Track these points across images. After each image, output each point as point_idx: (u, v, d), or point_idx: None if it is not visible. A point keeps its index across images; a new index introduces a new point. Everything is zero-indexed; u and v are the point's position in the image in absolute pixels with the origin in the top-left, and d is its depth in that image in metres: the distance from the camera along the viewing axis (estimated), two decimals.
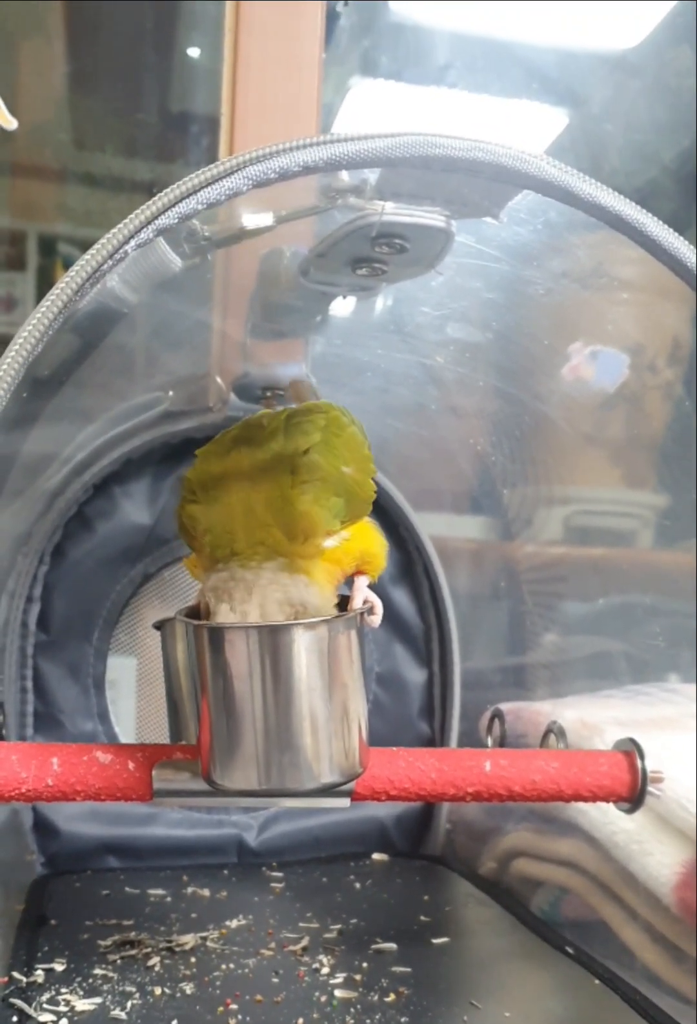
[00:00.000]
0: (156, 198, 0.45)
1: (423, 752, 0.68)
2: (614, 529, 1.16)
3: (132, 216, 0.45)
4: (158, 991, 0.65)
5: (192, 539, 0.59)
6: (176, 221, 0.45)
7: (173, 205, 0.45)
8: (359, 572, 0.60)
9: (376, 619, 0.60)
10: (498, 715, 0.78)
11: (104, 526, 0.92)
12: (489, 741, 0.78)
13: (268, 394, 0.82)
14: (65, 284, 0.43)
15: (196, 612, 0.59)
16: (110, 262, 0.44)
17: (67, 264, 1.31)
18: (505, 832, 0.92)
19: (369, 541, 0.60)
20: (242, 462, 0.58)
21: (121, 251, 0.45)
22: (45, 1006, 0.63)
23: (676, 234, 0.51)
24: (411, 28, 1.24)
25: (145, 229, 0.45)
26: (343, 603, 0.59)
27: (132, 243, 0.45)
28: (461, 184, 0.53)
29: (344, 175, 0.55)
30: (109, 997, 0.64)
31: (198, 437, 0.89)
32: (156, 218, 0.45)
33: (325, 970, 0.69)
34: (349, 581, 0.60)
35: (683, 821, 0.73)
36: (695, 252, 0.52)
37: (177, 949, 0.72)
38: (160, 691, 0.77)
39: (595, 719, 0.83)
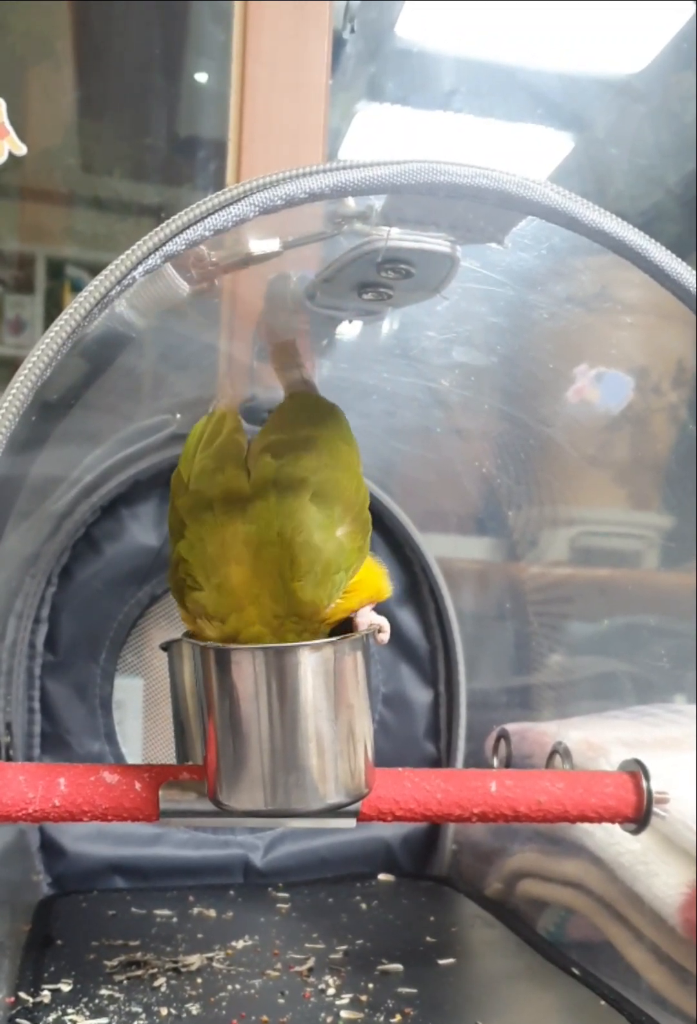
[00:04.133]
0: (163, 225, 0.46)
1: (429, 773, 0.68)
2: (619, 550, 1.16)
3: (140, 243, 0.45)
4: (164, 1011, 0.65)
5: (192, 611, 0.58)
6: (183, 247, 0.46)
7: (180, 231, 0.46)
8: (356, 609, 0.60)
9: (384, 636, 0.60)
10: (504, 736, 0.78)
11: (112, 548, 0.92)
12: (495, 762, 0.79)
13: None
14: (73, 310, 0.44)
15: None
16: (118, 288, 0.45)
17: (75, 287, 1.33)
18: (511, 853, 0.92)
19: (369, 586, 0.60)
20: (237, 542, 0.56)
21: (129, 277, 0.45)
22: None
23: (679, 259, 0.52)
24: (417, 54, 1.25)
25: (153, 255, 0.45)
26: (348, 623, 0.59)
27: (140, 269, 0.45)
28: (466, 210, 0.53)
29: (350, 201, 0.55)
30: (115, 1018, 0.64)
31: None
32: (164, 244, 0.46)
33: (331, 991, 0.69)
34: None
35: (688, 842, 0.73)
36: None
37: (183, 969, 0.72)
38: (167, 712, 0.77)
39: (600, 740, 0.83)
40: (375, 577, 0.61)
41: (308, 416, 0.63)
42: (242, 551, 0.56)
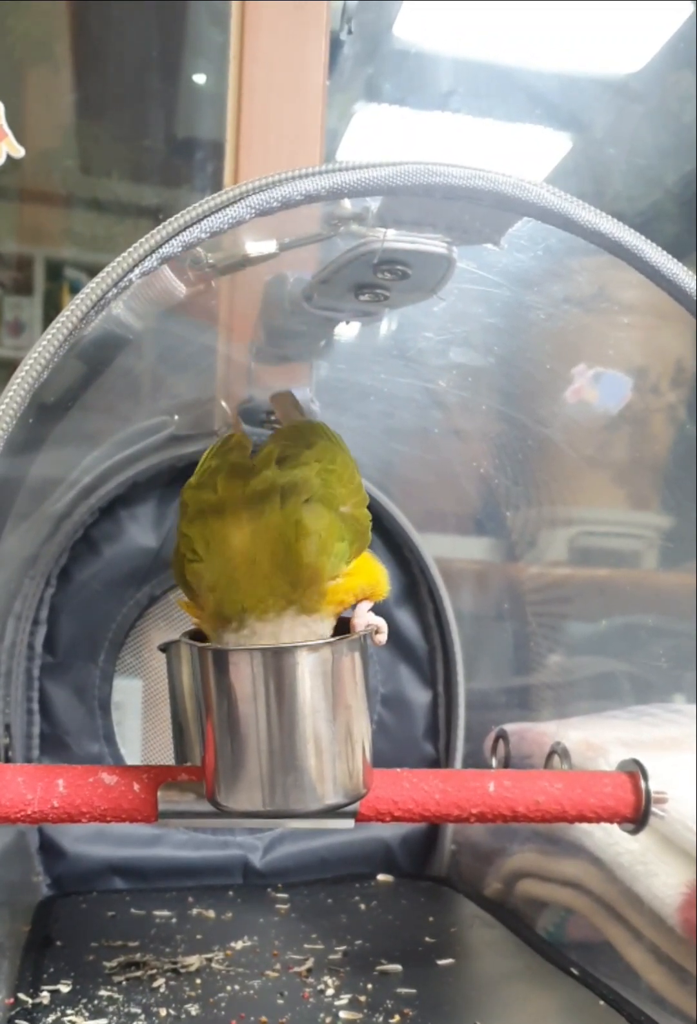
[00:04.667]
0: (160, 227, 0.46)
1: (427, 773, 0.68)
2: (618, 550, 1.16)
3: (136, 245, 0.45)
4: (163, 1012, 0.65)
5: (193, 593, 0.58)
6: (180, 250, 0.46)
7: (177, 234, 0.46)
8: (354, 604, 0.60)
9: (382, 637, 0.60)
10: (502, 736, 0.78)
11: (110, 549, 0.92)
12: (493, 762, 0.79)
13: (272, 418, 0.83)
14: (70, 312, 0.44)
15: (201, 634, 0.59)
16: (115, 290, 0.45)
17: (74, 288, 1.33)
18: (510, 853, 0.92)
19: (369, 573, 0.60)
20: (238, 508, 0.57)
21: (126, 279, 0.45)
22: None
23: (675, 260, 0.52)
24: (414, 55, 1.25)
25: (149, 258, 0.46)
26: (346, 625, 0.59)
27: (137, 271, 0.45)
28: (462, 211, 0.53)
29: (346, 203, 0.55)
30: (114, 1018, 0.64)
31: None
32: (160, 247, 0.46)
33: (330, 991, 0.69)
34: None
35: (687, 842, 0.73)
36: (695, 278, 0.52)
37: (182, 970, 0.72)
38: (166, 713, 0.77)
39: (599, 740, 0.83)
40: (374, 568, 0.61)
41: (307, 434, 0.63)
42: (244, 522, 0.56)
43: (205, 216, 0.46)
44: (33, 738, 0.91)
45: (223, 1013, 0.66)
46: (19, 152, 0.93)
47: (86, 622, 0.92)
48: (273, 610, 0.55)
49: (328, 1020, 0.65)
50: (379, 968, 0.74)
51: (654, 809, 0.70)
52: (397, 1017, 0.66)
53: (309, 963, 0.74)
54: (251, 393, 0.83)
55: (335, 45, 1.03)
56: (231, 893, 0.91)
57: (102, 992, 0.68)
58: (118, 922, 0.83)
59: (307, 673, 0.55)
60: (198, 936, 0.80)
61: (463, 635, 0.98)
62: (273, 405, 0.78)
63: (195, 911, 0.86)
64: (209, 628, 0.58)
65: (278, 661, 0.55)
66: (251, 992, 0.69)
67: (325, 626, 0.57)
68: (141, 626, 0.95)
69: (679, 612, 0.99)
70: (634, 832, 0.71)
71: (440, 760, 0.99)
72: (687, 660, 0.93)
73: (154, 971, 0.72)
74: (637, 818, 0.70)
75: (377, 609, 0.61)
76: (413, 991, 0.70)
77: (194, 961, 0.74)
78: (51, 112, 1.17)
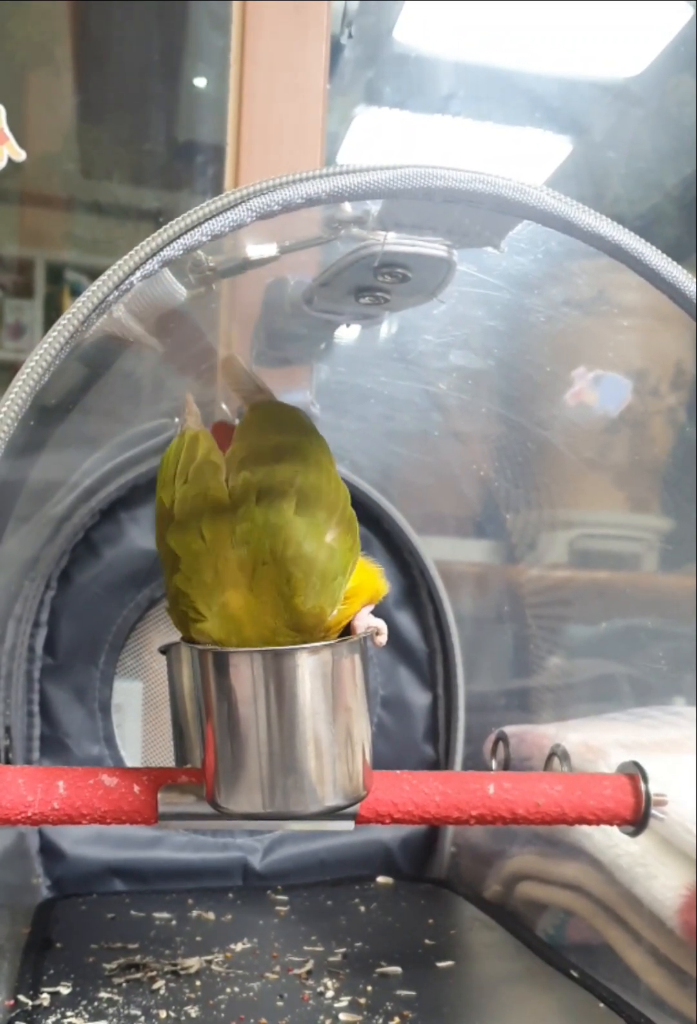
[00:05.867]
0: (161, 230, 0.46)
1: (427, 775, 0.68)
2: (618, 553, 1.16)
3: (137, 248, 0.45)
4: (163, 1014, 0.65)
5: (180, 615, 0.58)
6: (181, 253, 0.46)
7: (178, 237, 0.46)
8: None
9: (382, 639, 0.60)
10: (502, 738, 0.78)
11: (111, 551, 0.92)
12: (493, 764, 0.78)
13: None
14: (70, 316, 0.44)
15: None
16: (116, 293, 0.45)
17: (75, 291, 1.33)
18: (510, 855, 0.92)
19: (367, 583, 0.60)
20: (230, 563, 0.56)
21: (126, 282, 0.45)
22: None
23: (675, 263, 0.52)
24: (415, 58, 1.25)
25: (150, 261, 0.46)
26: (346, 627, 0.59)
27: (137, 274, 0.45)
28: (462, 214, 0.53)
29: (347, 206, 0.55)
30: (114, 1020, 0.64)
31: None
32: (161, 250, 0.46)
33: (330, 993, 0.70)
34: None
35: (687, 844, 0.73)
36: (694, 281, 0.52)
37: (182, 972, 0.72)
38: (166, 715, 0.77)
39: (599, 742, 0.83)
40: (372, 577, 0.61)
41: (273, 424, 0.62)
42: (238, 576, 0.56)
43: (206, 219, 0.46)
44: (33, 740, 0.91)
45: (223, 1015, 0.66)
46: (20, 155, 0.93)
47: (86, 624, 0.93)
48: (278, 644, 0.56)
49: (328, 1022, 0.65)
50: (379, 970, 0.74)
51: (654, 811, 0.70)
52: (397, 1019, 0.66)
53: (309, 965, 0.74)
54: None
55: (335, 48, 1.03)
56: (231, 895, 0.91)
57: (102, 994, 0.68)
58: (118, 924, 0.83)
59: (307, 675, 0.55)
60: (198, 938, 0.80)
61: (463, 637, 0.98)
62: (222, 377, 0.74)
63: (195, 913, 0.86)
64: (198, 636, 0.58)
65: (278, 663, 0.55)
66: (251, 994, 0.69)
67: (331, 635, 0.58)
68: (141, 628, 0.95)
69: (679, 615, 0.99)
70: (634, 834, 0.71)
71: (440, 762, 1.00)
72: (687, 662, 0.93)
73: (154, 973, 0.72)
74: (637, 820, 0.70)
75: (377, 611, 0.61)
76: (413, 993, 0.70)
77: (194, 963, 0.74)
78: (52, 115, 1.18)
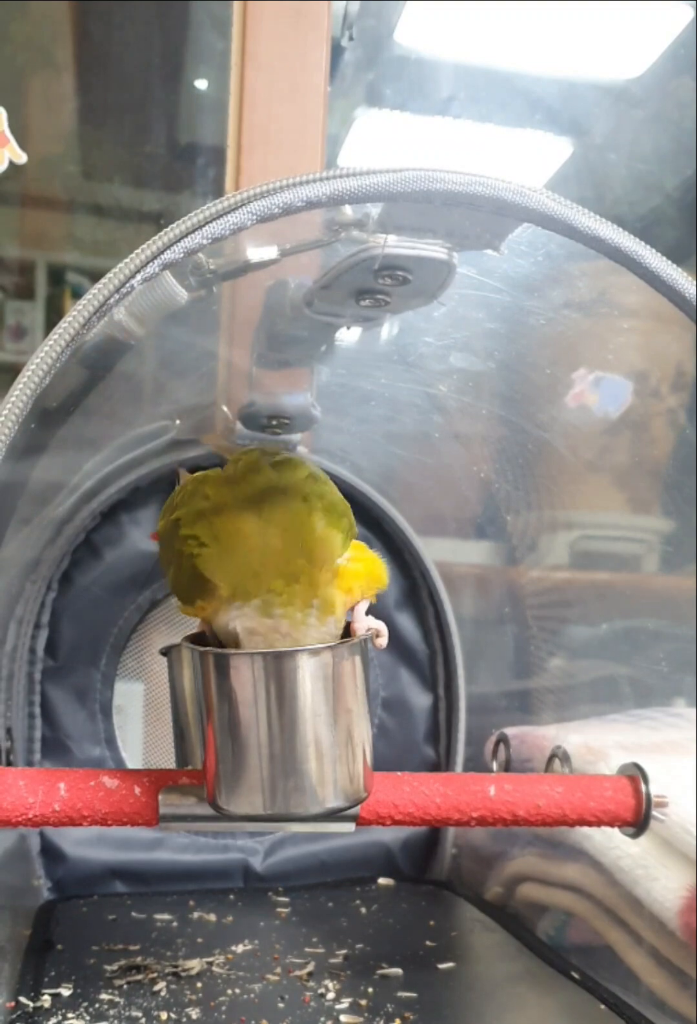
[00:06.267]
0: (161, 233, 0.46)
1: (428, 777, 0.68)
2: (619, 554, 1.16)
3: (138, 251, 0.45)
4: (164, 1016, 0.65)
5: (196, 594, 0.58)
6: (181, 256, 0.46)
7: (178, 240, 0.46)
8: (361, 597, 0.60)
9: (383, 641, 0.60)
10: (503, 739, 0.78)
11: (112, 553, 0.92)
12: (494, 766, 0.79)
13: (273, 423, 0.83)
14: (71, 318, 0.44)
15: (202, 638, 0.59)
16: (116, 296, 0.45)
17: (76, 293, 1.33)
18: (511, 857, 0.92)
19: (368, 561, 0.61)
20: (241, 504, 0.57)
21: (127, 285, 0.45)
22: None
23: (675, 266, 0.52)
24: (415, 60, 1.25)
25: (151, 264, 0.46)
26: (347, 629, 0.60)
27: (138, 277, 0.46)
28: (462, 217, 0.53)
29: (347, 209, 0.56)
30: (115, 1022, 0.65)
31: (205, 465, 0.90)
32: (161, 253, 0.46)
33: (331, 995, 0.70)
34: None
35: (688, 845, 0.73)
36: (694, 284, 0.52)
37: (183, 974, 0.72)
38: (167, 717, 0.78)
39: (600, 743, 0.83)
40: (374, 564, 0.61)
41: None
42: (249, 510, 0.57)
43: (207, 222, 0.46)
44: (34, 742, 0.91)
45: (224, 1017, 0.66)
46: (21, 158, 0.93)
47: (87, 626, 0.93)
48: (295, 604, 0.56)
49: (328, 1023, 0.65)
50: (380, 972, 0.74)
51: (654, 813, 0.70)
52: (398, 1021, 0.66)
53: (310, 967, 0.74)
54: (252, 398, 0.83)
55: (336, 50, 1.03)
56: (232, 897, 0.91)
57: (103, 996, 0.68)
58: (119, 926, 0.83)
59: (308, 677, 0.55)
60: (199, 940, 0.80)
61: (464, 639, 0.99)
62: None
63: (196, 915, 0.86)
64: (211, 611, 0.58)
65: (279, 665, 0.55)
66: (252, 996, 0.69)
67: (337, 627, 0.58)
68: (142, 630, 0.95)
69: (679, 616, 0.99)
70: (634, 836, 0.71)
71: (441, 763, 1.00)
72: (687, 664, 0.93)
73: (155, 975, 0.72)
74: (637, 822, 0.70)
75: (377, 613, 0.61)
76: (414, 995, 0.70)
77: (195, 965, 0.74)
78: (53, 118, 1.18)
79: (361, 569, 0.60)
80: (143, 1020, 0.65)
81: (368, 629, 0.59)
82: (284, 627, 0.56)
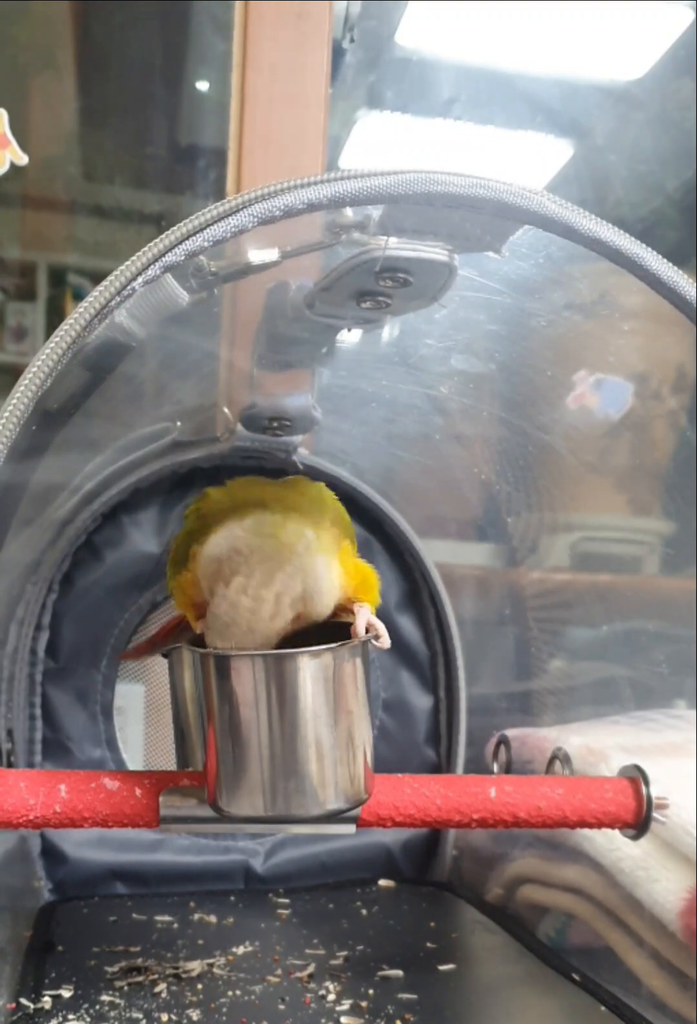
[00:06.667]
0: (163, 236, 0.46)
1: (428, 779, 0.68)
2: (619, 556, 1.16)
3: (139, 254, 0.46)
4: (165, 1018, 0.65)
5: (191, 540, 0.61)
6: (183, 258, 0.46)
7: (180, 243, 0.46)
8: (359, 601, 0.61)
9: (384, 642, 0.60)
10: (504, 741, 0.78)
11: (113, 555, 0.92)
12: (495, 767, 0.79)
13: (274, 424, 0.83)
14: (73, 321, 0.44)
15: (203, 640, 0.60)
16: (118, 298, 0.45)
17: (77, 295, 1.33)
18: (511, 858, 0.92)
19: (363, 566, 0.62)
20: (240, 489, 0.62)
21: (129, 288, 0.46)
22: None
23: (675, 268, 0.52)
24: (416, 62, 1.25)
25: (152, 266, 0.46)
26: (347, 631, 0.60)
27: (139, 280, 0.46)
28: (463, 219, 0.54)
29: (348, 211, 0.56)
30: None
31: (206, 466, 0.90)
32: (163, 255, 0.46)
33: (331, 997, 0.70)
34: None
35: (688, 847, 0.73)
36: (695, 286, 0.52)
37: (184, 976, 0.72)
38: (168, 718, 0.78)
39: (600, 745, 0.83)
40: (369, 575, 0.62)
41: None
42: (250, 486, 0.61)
43: (208, 225, 0.46)
44: (35, 743, 0.91)
45: (224, 1018, 0.66)
46: (22, 159, 0.93)
47: (88, 627, 0.93)
48: (288, 530, 0.58)
49: None
50: (380, 973, 0.74)
51: (655, 814, 0.70)
52: (398, 1022, 0.66)
53: (310, 968, 0.74)
54: (254, 399, 0.83)
55: (337, 53, 1.03)
56: (232, 898, 0.91)
57: (104, 997, 0.68)
58: (120, 927, 0.83)
59: (309, 679, 0.55)
60: (200, 941, 0.80)
61: (464, 640, 0.99)
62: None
63: (197, 916, 0.86)
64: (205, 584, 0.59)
65: (280, 667, 0.55)
66: (252, 997, 0.69)
67: (320, 576, 0.58)
68: (143, 631, 0.95)
69: (680, 618, 0.99)
70: (635, 837, 0.72)
71: (441, 765, 1.00)
72: (688, 666, 0.93)
73: (156, 976, 0.72)
74: (638, 823, 0.70)
75: (379, 614, 0.61)
76: (414, 996, 0.70)
77: (196, 966, 0.74)
78: (54, 119, 1.18)
79: (354, 564, 0.60)
80: (144, 1021, 0.65)
81: (369, 630, 0.60)
82: (270, 547, 0.56)
